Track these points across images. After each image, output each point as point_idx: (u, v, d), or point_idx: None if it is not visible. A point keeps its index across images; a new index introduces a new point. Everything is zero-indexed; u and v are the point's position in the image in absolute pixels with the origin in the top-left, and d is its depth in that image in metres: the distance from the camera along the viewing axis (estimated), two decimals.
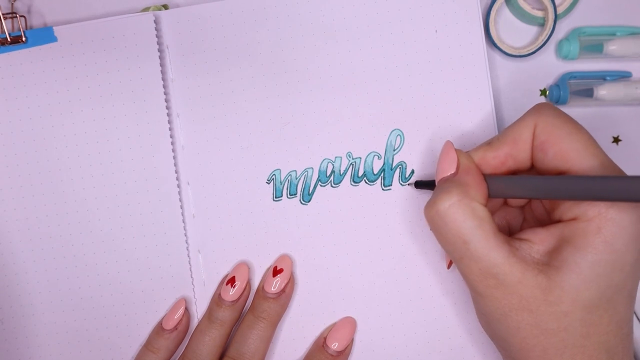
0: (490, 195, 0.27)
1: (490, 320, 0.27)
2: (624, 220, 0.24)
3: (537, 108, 0.27)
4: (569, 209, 0.25)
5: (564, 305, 0.24)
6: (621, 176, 0.23)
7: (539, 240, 0.26)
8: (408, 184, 0.34)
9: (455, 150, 0.29)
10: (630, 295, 0.25)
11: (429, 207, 0.27)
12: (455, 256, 0.26)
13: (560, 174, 0.26)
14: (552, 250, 0.25)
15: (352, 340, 0.34)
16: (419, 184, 0.34)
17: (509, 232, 0.27)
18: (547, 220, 0.28)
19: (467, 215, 0.25)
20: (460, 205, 0.26)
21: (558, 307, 0.24)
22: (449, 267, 0.33)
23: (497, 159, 0.28)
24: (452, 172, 0.28)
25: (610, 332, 0.25)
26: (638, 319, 0.35)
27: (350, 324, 0.34)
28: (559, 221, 0.26)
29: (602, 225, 0.24)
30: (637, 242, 0.24)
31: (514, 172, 0.28)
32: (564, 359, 0.25)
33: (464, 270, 0.26)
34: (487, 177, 0.28)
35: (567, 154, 0.25)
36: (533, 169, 0.28)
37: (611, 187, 0.22)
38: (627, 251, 0.24)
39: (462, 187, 0.26)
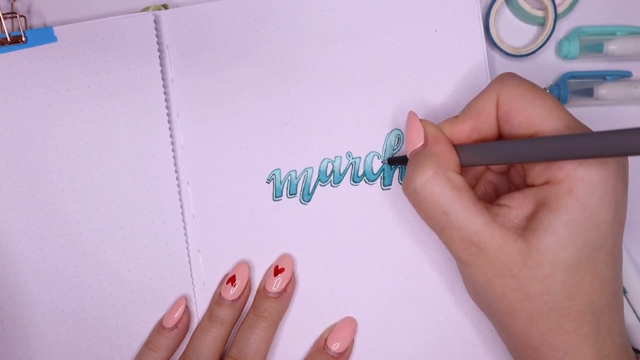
0: (461, 164, 0.27)
1: (476, 288, 0.27)
2: (594, 178, 0.24)
3: (499, 79, 0.27)
4: (539, 174, 0.25)
5: (544, 268, 0.24)
6: (583, 133, 0.23)
7: (516, 205, 0.26)
8: (382, 162, 0.34)
9: (420, 120, 0.29)
10: (612, 254, 0.25)
11: (406, 184, 0.27)
12: (437, 228, 0.27)
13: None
14: (530, 214, 0.25)
15: (353, 340, 0.34)
16: (392, 161, 0.34)
17: (496, 197, 0.27)
18: (524, 187, 0.28)
19: (443, 187, 0.26)
20: (436, 177, 0.26)
21: (538, 271, 0.24)
22: None
23: (462, 133, 0.28)
24: (421, 143, 0.28)
25: (594, 293, 0.25)
26: (638, 317, 0.35)
27: (350, 324, 0.34)
28: (532, 186, 0.26)
29: (572, 185, 0.24)
30: (612, 199, 0.24)
31: None
32: (550, 322, 0.25)
33: (447, 240, 0.26)
34: (457, 146, 0.28)
35: (532, 120, 0.25)
36: (500, 140, 0.28)
37: (575, 144, 0.22)
38: (601, 209, 0.24)
39: (434, 158, 0.27)
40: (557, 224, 0.24)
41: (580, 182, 0.24)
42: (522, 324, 0.26)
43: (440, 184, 0.26)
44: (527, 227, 0.25)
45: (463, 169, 0.28)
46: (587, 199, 0.24)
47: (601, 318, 0.25)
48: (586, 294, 0.25)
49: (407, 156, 0.29)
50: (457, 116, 0.29)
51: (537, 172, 0.25)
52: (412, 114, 0.29)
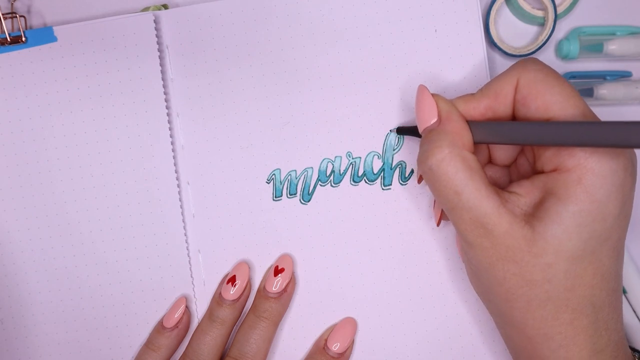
0: (474, 141, 0.27)
1: (478, 270, 0.27)
2: (604, 170, 0.24)
3: (521, 63, 0.27)
4: (549, 159, 0.25)
5: (548, 256, 0.24)
6: (599, 122, 0.23)
7: (525, 192, 0.26)
8: (390, 130, 0.34)
9: (432, 95, 0.28)
10: (616, 248, 0.25)
11: (422, 163, 0.27)
12: (447, 207, 0.27)
13: None
14: (538, 202, 0.25)
15: (353, 341, 0.34)
16: (401, 130, 0.34)
17: None
18: (532, 176, 0.28)
19: (458, 167, 0.26)
20: (451, 157, 0.26)
21: (542, 259, 0.25)
22: (438, 224, 0.33)
23: (476, 110, 0.28)
24: (435, 120, 0.28)
25: (595, 286, 0.25)
26: (638, 317, 0.35)
27: (350, 324, 0.34)
28: (541, 172, 0.26)
29: (582, 175, 0.24)
30: (620, 193, 0.24)
31: None
32: (548, 311, 0.25)
33: (456, 220, 0.26)
34: (471, 123, 0.28)
35: (550, 106, 0.25)
36: None
37: (591, 131, 0.22)
38: (609, 201, 0.24)
39: (449, 137, 0.27)
40: (564, 214, 0.24)
41: (590, 172, 0.24)
42: (519, 311, 0.26)
43: (455, 164, 0.26)
44: (534, 215, 0.25)
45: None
46: (596, 191, 0.24)
47: (600, 312, 0.25)
48: (587, 287, 0.25)
49: (420, 132, 0.29)
50: (473, 94, 0.29)
51: (547, 158, 0.26)
52: (422, 88, 0.29)
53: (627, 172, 0.24)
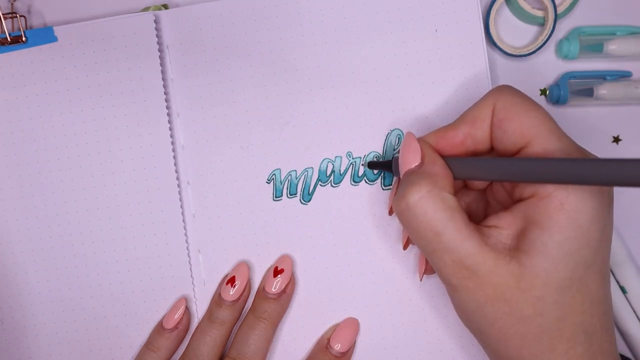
0: (454, 177, 0.27)
1: (467, 314, 0.27)
2: (585, 193, 0.23)
3: (497, 89, 0.27)
4: (527, 184, 0.25)
5: (537, 289, 0.24)
6: (583, 159, 0.22)
7: (505, 225, 0.25)
8: (362, 165, 0.34)
9: (418, 140, 0.28)
10: (601, 272, 0.25)
11: (398, 201, 0.26)
12: (427, 249, 0.26)
13: (519, 150, 0.26)
14: (520, 232, 0.25)
15: (355, 341, 0.34)
16: (372, 165, 0.33)
17: (470, 217, 0.27)
18: (509, 202, 0.27)
19: (437, 207, 0.25)
20: (430, 196, 0.25)
21: (531, 293, 0.24)
22: (405, 247, 0.33)
23: (456, 138, 0.28)
24: (417, 163, 0.27)
25: (585, 312, 0.25)
26: (638, 317, 0.35)
27: (353, 325, 0.34)
28: (519, 200, 0.26)
29: (564, 200, 0.24)
30: (601, 215, 0.24)
31: (472, 154, 0.28)
32: (543, 345, 0.25)
33: (437, 263, 0.26)
34: (451, 159, 0.28)
35: (526, 129, 0.25)
36: (492, 152, 0.28)
37: (575, 170, 0.22)
38: (592, 225, 0.24)
39: (430, 177, 0.26)
40: (550, 244, 0.24)
41: (572, 196, 0.23)
42: (514, 349, 0.25)
43: (435, 203, 0.25)
44: (518, 248, 0.25)
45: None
46: (579, 216, 0.23)
47: (593, 338, 0.25)
48: (578, 314, 0.25)
49: (400, 175, 0.28)
50: (451, 123, 0.28)
51: (525, 184, 0.25)
52: (409, 135, 0.29)
53: (605, 194, 0.24)
